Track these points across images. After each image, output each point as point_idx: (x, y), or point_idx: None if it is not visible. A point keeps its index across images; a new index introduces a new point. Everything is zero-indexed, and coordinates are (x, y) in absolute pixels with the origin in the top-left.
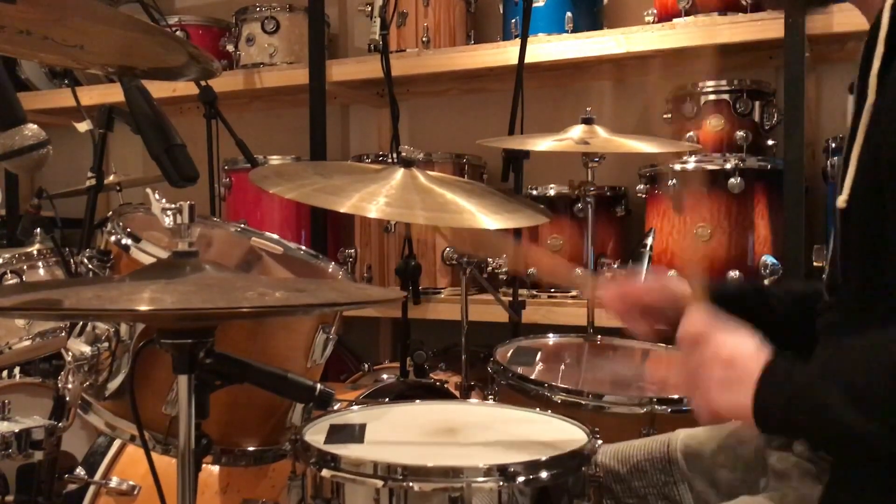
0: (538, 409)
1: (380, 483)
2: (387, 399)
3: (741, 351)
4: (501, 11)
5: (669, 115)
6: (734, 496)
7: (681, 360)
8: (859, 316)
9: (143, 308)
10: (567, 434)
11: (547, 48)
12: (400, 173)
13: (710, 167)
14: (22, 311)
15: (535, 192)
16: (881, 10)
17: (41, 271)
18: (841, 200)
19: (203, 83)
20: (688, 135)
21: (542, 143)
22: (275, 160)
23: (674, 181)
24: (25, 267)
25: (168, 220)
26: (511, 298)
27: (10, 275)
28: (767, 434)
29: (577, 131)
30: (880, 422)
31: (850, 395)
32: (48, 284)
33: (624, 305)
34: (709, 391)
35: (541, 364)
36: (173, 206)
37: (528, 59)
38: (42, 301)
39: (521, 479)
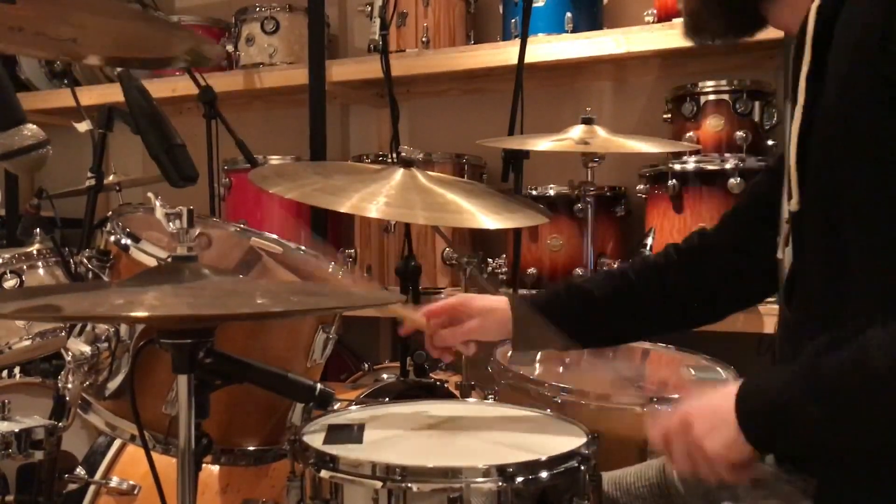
0: (538, 408)
1: (378, 484)
2: (387, 399)
3: (710, 400)
4: (501, 11)
5: (669, 115)
6: None
7: (672, 458)
8: (820, 319)
9: (141, 314)
10: (567, 434)
11: (547, 48)
12: (400, 173)
13: (710, 167)
14: (23, 314)
15: (535, 192)
16: (807, 15)
17: (41, 271)
18: (793, 203)
19: (203, 83)
20: (688, 135)
21: (542, 143)
22: (275, 160)
23: (674, 181)
24: (25, 267)
25: (173, 226)
26: None
27: (9, 275)
28: (774, 452)
29: (576, 131)
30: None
31: (821, 400)
32: (49, 290)
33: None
34: (703, 450)
35: (541, 364)
36: (175, 210)
37: (528, 59)
38: (43, 307)
39: (519, 479)
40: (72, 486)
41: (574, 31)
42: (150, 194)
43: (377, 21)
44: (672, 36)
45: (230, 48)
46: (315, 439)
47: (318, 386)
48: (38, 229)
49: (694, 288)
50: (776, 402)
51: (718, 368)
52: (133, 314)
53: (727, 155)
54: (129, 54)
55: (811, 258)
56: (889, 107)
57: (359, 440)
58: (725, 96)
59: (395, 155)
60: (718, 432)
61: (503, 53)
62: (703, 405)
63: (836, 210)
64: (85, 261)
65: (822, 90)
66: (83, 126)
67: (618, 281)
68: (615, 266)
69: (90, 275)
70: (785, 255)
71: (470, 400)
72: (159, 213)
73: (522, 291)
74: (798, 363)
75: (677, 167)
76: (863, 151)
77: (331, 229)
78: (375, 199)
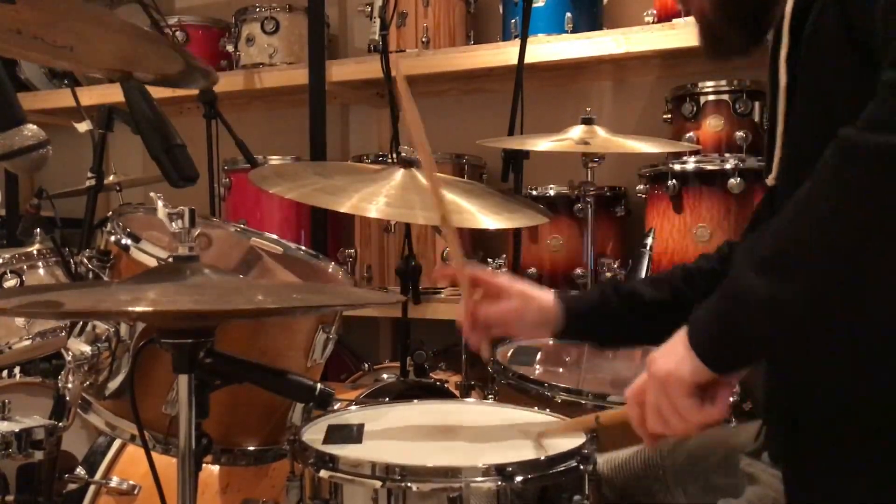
0: (538, 408)
1: (378, 483)
2: (387, 399)
3: (666, 344)
4: (501, 12)
5: (669, 116)
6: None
7: (645, 421)
8: None
9: (142, 309)
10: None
11: (547, 48)
12: (400, 173)
13: (709, 167)
14: (25, 311)
15: (535, 193)
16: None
17: (41, 271)
18: (770, 178)
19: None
20: (687, 135)
21: (542, 144)
22: (274, 160)
23: (673, 181)
24: (25, 267)
25: (175, 226)
26: None
27: (9, 275)
28: (724, 371)
29: (576, 131)
30: (802, 279)
31: (761, 269)
32: (49, 288)
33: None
34: (667, 387)
35: (541, 364)
36: (177, 210)
37: (528, 59)
38: (44, 303)
39: (519, 478)
40: (72, 486)
41: (574, 31)
42: (152, 194)
43: (377, 21)
44: (672, 36)
45: (230, 48)
46: (314, 439)
47: (318, 386)
48: (38, 229)
49: None
50: (720, 300)
51: None
52: (136, 309)
53: (727, 155)
54: (125, 69)
55: None
56: (850, 53)
57: (358, 440)
58: (725, 96)
59: (395, 155)
60: (670, 355)
61: (503, 54)
62: (661, 351)
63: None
64: (85, 261)
65: (798, 69)
66: (83, 126)
67: (666, 287)
68: (616, 265)
69: (90, 275)
70: None
71: (470, 400)
72: (162, 212)
73: None
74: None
75: (677, 167)
76: (833, 116)
77: (331, 229)
78: (375, 199)
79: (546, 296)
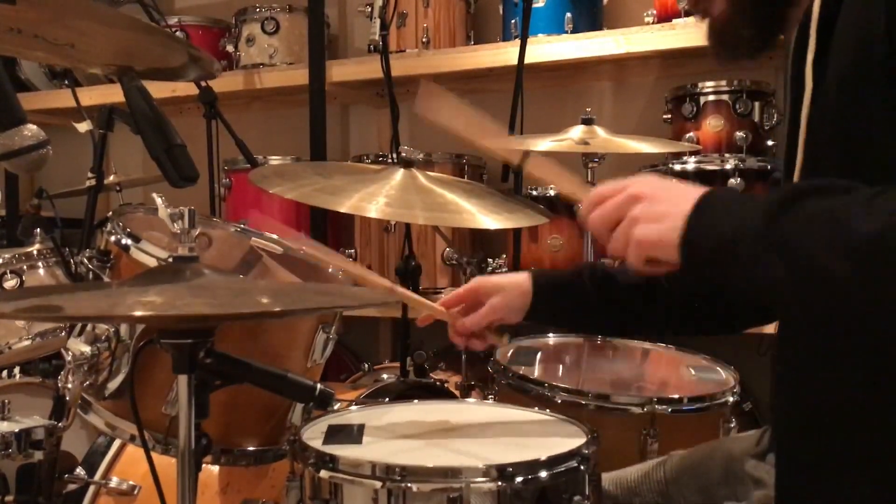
0: (538, 409)
1: (378, 484)
2: (387, 399)
3: (668, 192)
4: (501, 12)
5: (669, 116)
6: None
7: (599, 222)
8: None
9: (149, 313)
10: (567, 434)
11: (547, 49)
12: (400, 173)
13: (709, 167)
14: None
15: (535, 193)
16: (812, 1)
17: (41, 271)
18: None
19: (203, 84)
20: (687, 135)
21: (542, 144)
22: (275, 160)
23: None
24: (25, 267)
25: (177, 226)
26: None
27: (9, 275)
28: (690, 272)
29: (577, 132)
30: (860, 267)
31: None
32: (49, 290)
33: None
34: (633, 233)
35: (541, 364)
36: (177, 210)
37: (528, 59)
38: (43, 307)
39: (519, 479)
40: (72, 486)
41: (574, 31)
42: (153, 194)
43: (377, 21)
44: (672, 36)
45: (230, 48)
46: (314, 439)
47: (318, 386)
48: (38, 229)
49: (715, 295)
50: (726, 240)
51: (718, 368)
52: (143, 314)
53: (727, 155)
54: (126, 63)
55: None
56: (891, 104)
57: (358, 440)
58: (725, 96)
59: (395, 155)
60: (658, 228)
61: (503, 54)
62: (659, 192)
63: None
64: (85, 261)
65: (824, 75)
66: (83, 126)
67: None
68: (616, 265)
69: (90, 275)
70: None
71: (470, 400)
72: (163, 212)
73: None
74: (762, 207)
75: (677, 167)
76: (862, 144)
77: (331, 229)
78: (375, 199)
79: (521, 279)
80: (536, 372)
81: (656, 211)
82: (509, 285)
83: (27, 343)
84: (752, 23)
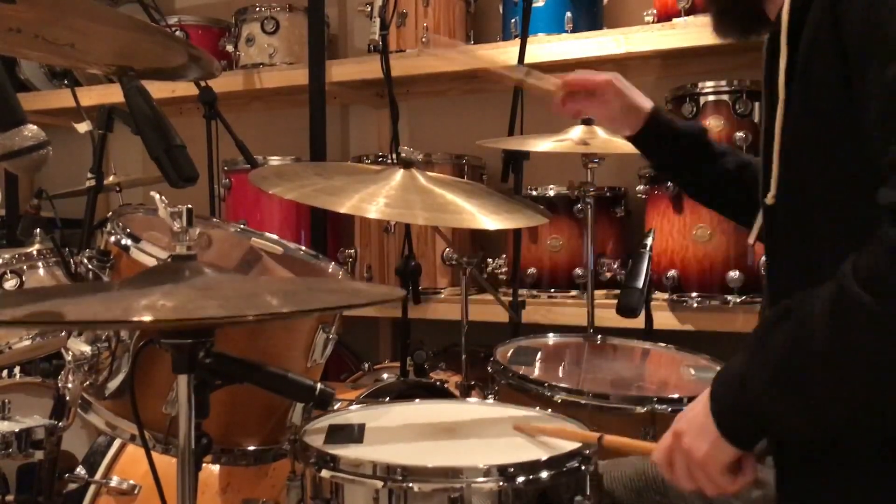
0: (538, 408)
1: (379, 483)
2: (387, 399)
3: (693, 407)
4: (501, 11)
5: None
6: None
7: (675, 476)
8: None
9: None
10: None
11: (547, 48)
12: (400, 174)
13: None
14: (24, 323)
15: (534, 193)
16: (780, 8)
17: (41, 272)
18: (769, 197)
19: (203, 84)
20: None
21: (542, 144)
22: (274, 161)
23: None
24: (25, 267)
25: (177, 226)
26: (511, 298)
27: (9, 275)
28: (757, 442)
29: (576, 132)
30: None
31: (774, 384)
32: (50, 292)
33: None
34: (694, 459)
35: (541, 364)
36: (176, 210)
37: (528, 59)
38: (45, 314)
39: (520, 479)
40: (72, 486)
41: (574, 31)
42: (154, 194)
43: (377, 21)
44: (672, 36)
45: (230, 48)
46: (315, 439)
47: (319, 386)
48: (38, 229)
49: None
50: (739, 393)
51: (718, 368)
52: (142, 318)
53: None
54: (126, 63)
55: (783, 251)
56: (843, 88)
57: (359, 440)
58: (725, 97)
59: (394, 155)
60: (702, 438)
61: (503, 53)
62: (688, 413)
63: (805, 203)
64: (85, 261)
65: (794, 87)
66: (83, 126)
67: (732, 160)
68: (616, 265)
69: (90, 275)
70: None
71: (470, 400)
72: (164, 212)
73: (523, 291)
74: (749, 342)
75: None
76: (827, 142)
77: (331, 230)
78: (375, 199)
79: (642, 101)
80: (536, 372)
81: (694, 431)
82: (625, 98)
83: (27, 343)
84: (734, 16)
